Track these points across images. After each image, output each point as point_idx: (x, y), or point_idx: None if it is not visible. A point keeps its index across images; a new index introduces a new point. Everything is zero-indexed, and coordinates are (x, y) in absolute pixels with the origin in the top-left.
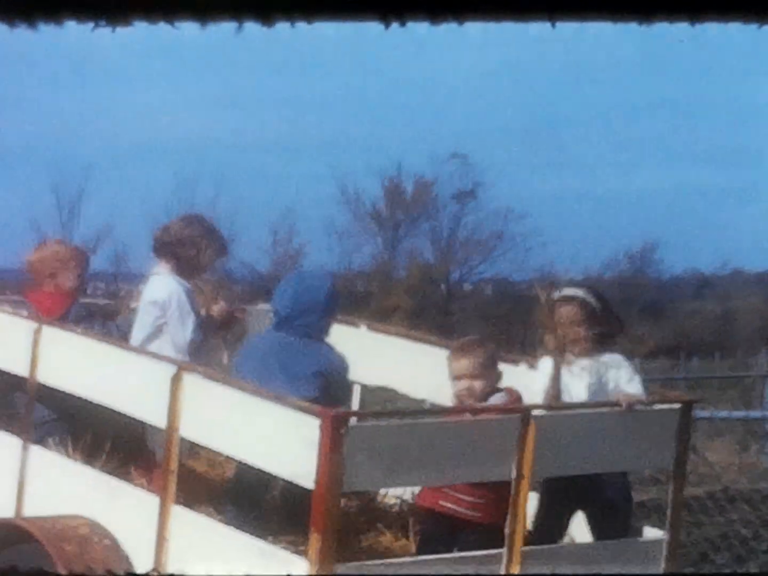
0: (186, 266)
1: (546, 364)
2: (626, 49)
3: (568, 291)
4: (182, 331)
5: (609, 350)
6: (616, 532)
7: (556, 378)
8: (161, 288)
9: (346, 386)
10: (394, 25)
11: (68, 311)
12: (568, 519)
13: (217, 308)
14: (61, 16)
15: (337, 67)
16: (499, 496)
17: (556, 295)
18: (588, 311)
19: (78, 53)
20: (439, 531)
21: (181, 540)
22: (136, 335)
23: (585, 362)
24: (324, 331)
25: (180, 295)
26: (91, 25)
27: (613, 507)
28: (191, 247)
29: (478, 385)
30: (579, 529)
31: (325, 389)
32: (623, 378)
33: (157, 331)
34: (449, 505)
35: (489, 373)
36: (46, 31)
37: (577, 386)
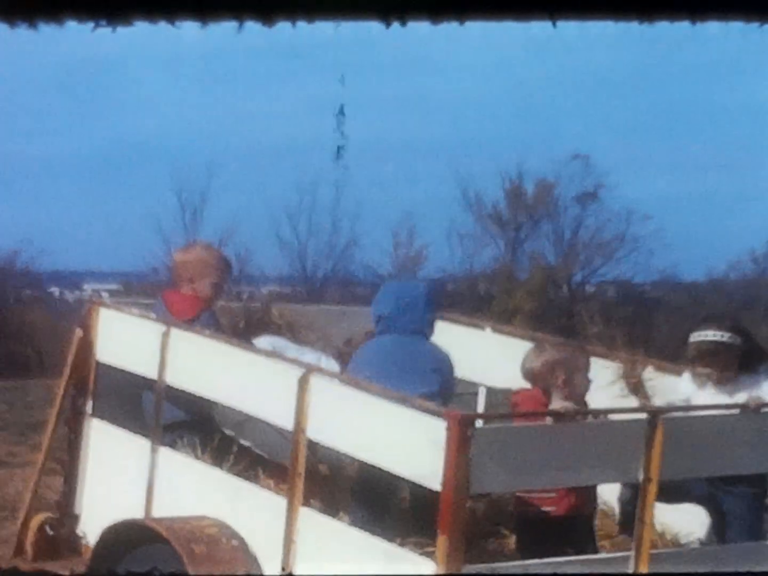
0: None
1: (686, 382)
2: (740, 49)
3: (710, 335)
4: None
5: (749, 372)
6: (744, 536)
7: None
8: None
9: (454, 382)
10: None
11: (199, 316)
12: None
13: None
14: (61, 17)
15: (456, 68)
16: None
17: (696, 336)
18: (730, 353)
19: (197, 56)
20: (547, 532)
21: (308, 541)
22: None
23: (721, 387)
24: (428, 327)
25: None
26: (105, 26)
27: (739, 510)
28: None
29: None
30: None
31: (441, 384)
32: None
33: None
34: (583, 506)
35: None
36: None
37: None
